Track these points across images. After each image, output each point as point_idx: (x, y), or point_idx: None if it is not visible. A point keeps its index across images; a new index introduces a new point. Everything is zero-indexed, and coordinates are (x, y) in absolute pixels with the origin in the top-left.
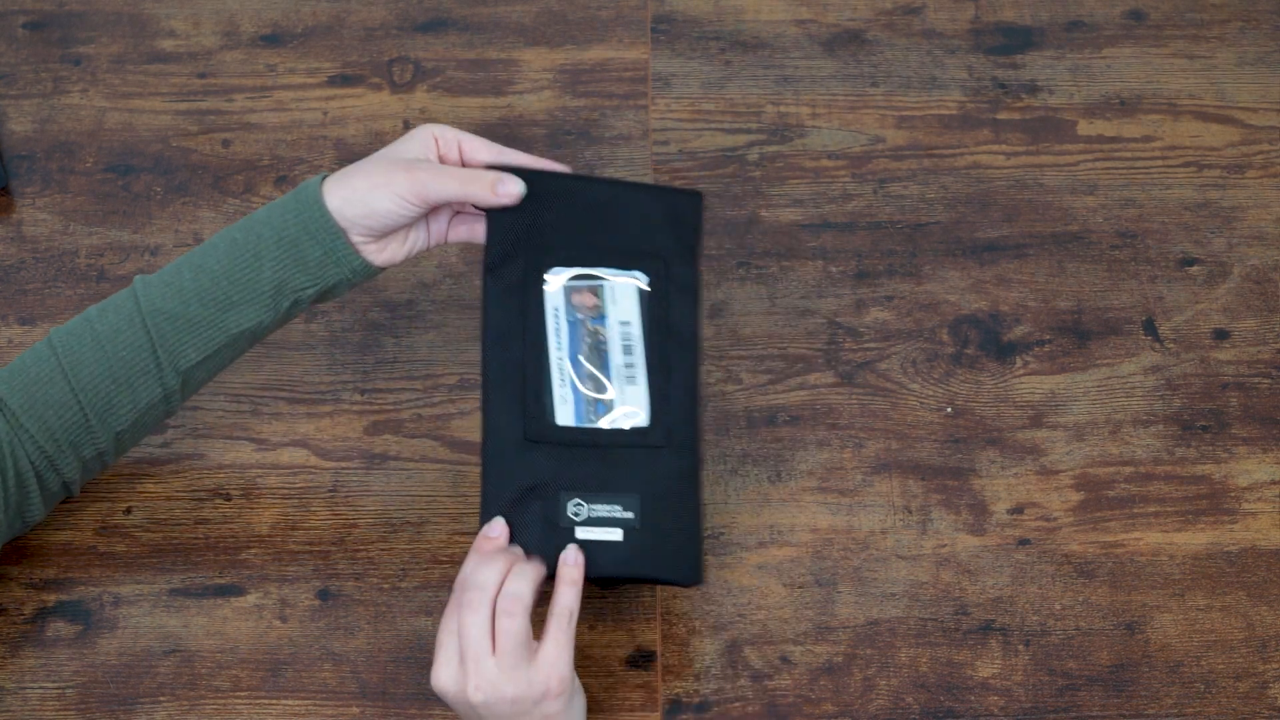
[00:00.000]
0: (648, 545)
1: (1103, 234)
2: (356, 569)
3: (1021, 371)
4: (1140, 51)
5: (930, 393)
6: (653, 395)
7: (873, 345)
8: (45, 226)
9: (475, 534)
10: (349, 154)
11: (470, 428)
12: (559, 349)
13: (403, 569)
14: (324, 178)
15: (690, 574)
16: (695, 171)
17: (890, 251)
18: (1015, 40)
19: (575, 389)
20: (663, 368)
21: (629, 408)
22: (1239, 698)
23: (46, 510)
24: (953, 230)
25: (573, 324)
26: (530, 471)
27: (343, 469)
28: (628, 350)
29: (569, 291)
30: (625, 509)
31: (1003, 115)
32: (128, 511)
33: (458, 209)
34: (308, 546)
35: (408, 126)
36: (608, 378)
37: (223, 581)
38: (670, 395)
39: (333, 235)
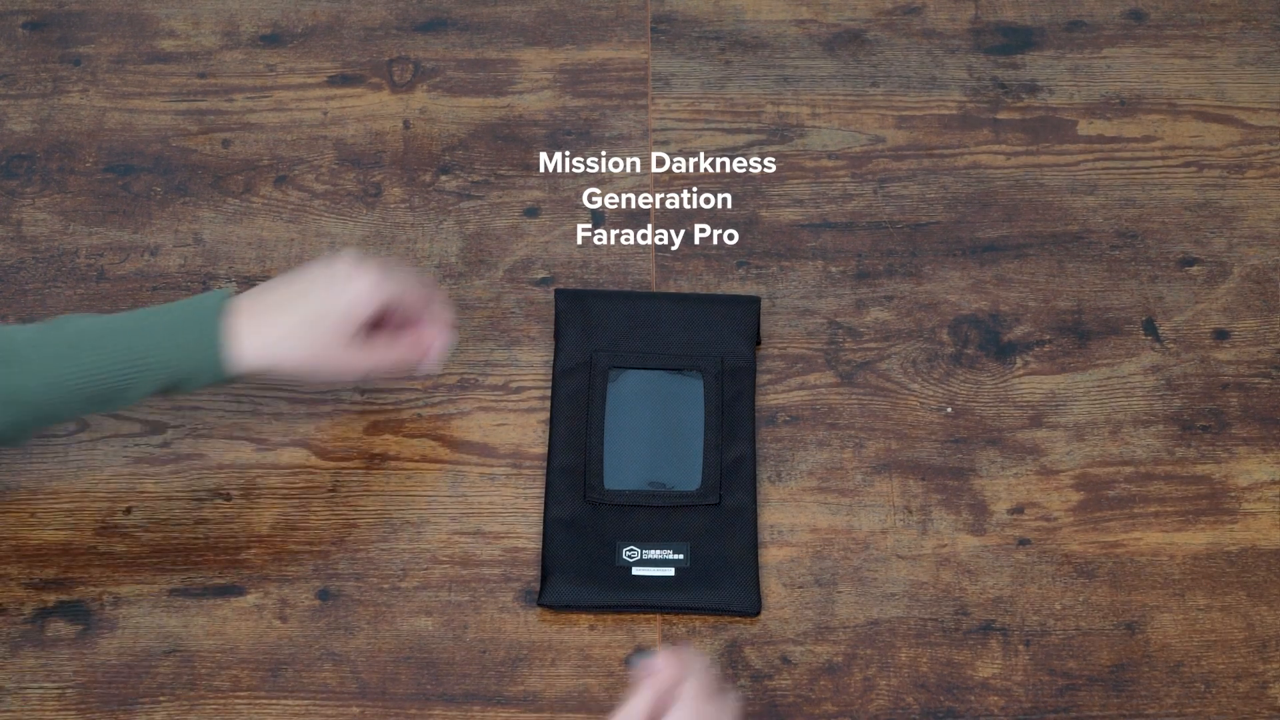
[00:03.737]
0: (701, 579)
1: (1103, 234)
2: (356, 569)
3: (1021, 371)
4: (1140, 51)
5: (930, 393)
6: (706, 466)
7: (873, 345)
8: (45, 226)
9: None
10: (349, 154)
11: (470, 428)
12: (617, 432)
13: (403, 569)
14: (230, 302)
15: (747, 602)
16: (695, 171)
17: (890, 251)
18: (1015, 40)
19: (631, 465)
20: (716, 448)
21: (681, 477)
22: (1239, 698)
23: None
24: (953, 230)
25: (631, 412)
26: (588, 527)
27: (343, 469)
28: (683, 434)
29: (630, 384)
30: (676, 552)
31: (1003, 115)
32: (128, 511)
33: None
34: (308, 546)
35: (408, 126)
36: (664, 458)
37: (223, 581)
38: (723, 465)
39: (215, 376)
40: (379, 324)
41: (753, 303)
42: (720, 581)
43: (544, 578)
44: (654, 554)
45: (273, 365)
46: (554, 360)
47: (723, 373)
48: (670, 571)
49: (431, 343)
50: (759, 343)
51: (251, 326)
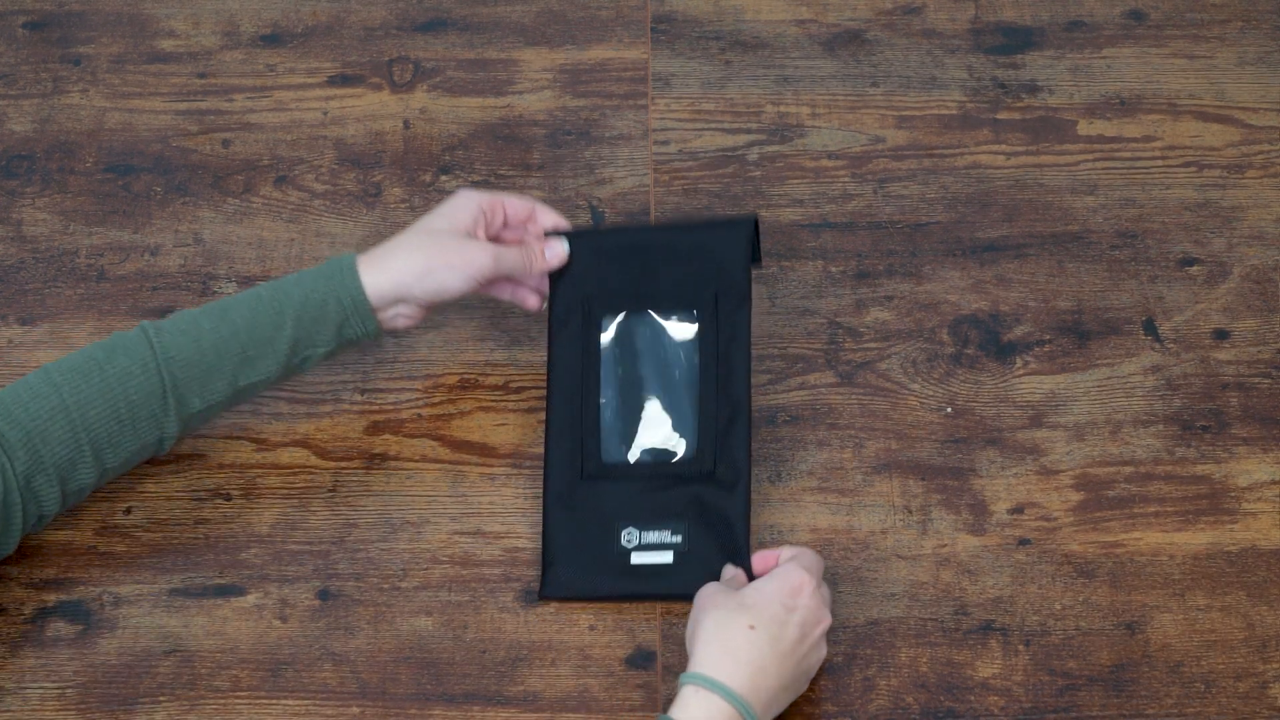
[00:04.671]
0: (697, 564)
1: (1103, 234)
2: (356, 569)
3: (1021, 371)
4: (1140, 51)
5: (930, 393)
6: (703, 427)
7: (873, 345)
8: (45, 226)
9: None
10: (349, 154)
11: (470, 428)
12: (612, 390)
13: (403, 569)
14: (354, 256)
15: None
16: (695, 171)
17: (890, 251)
18: (1015, 40)
19: (627, 427)
20: (712, 400)
21: (674, 440)
22: (1239, 698)
23: (17, 543)
24: (953, 230)
25: (626, 365)
26: (588, 506)
27: (343, 469)
28: (674, 389)
29: (621, 338)
30: (673, 534)
31: (1003, 115)
32: (128, 511)
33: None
34: (308, 546)
35: (408, 126)
36: (659, 414)
37: (223, 581)
38: (720, 425)
39: (359, 303)
40: (495, 239)
41: (746, 224)
42: (715, 564)
43: (545, 568)
44: (652, 537)
45: (399, 285)
46: (549, 310)
47: (718, 313)
48: (668, 557)
49: (546, 241)
50: (759, 261)
51: (372, 259)
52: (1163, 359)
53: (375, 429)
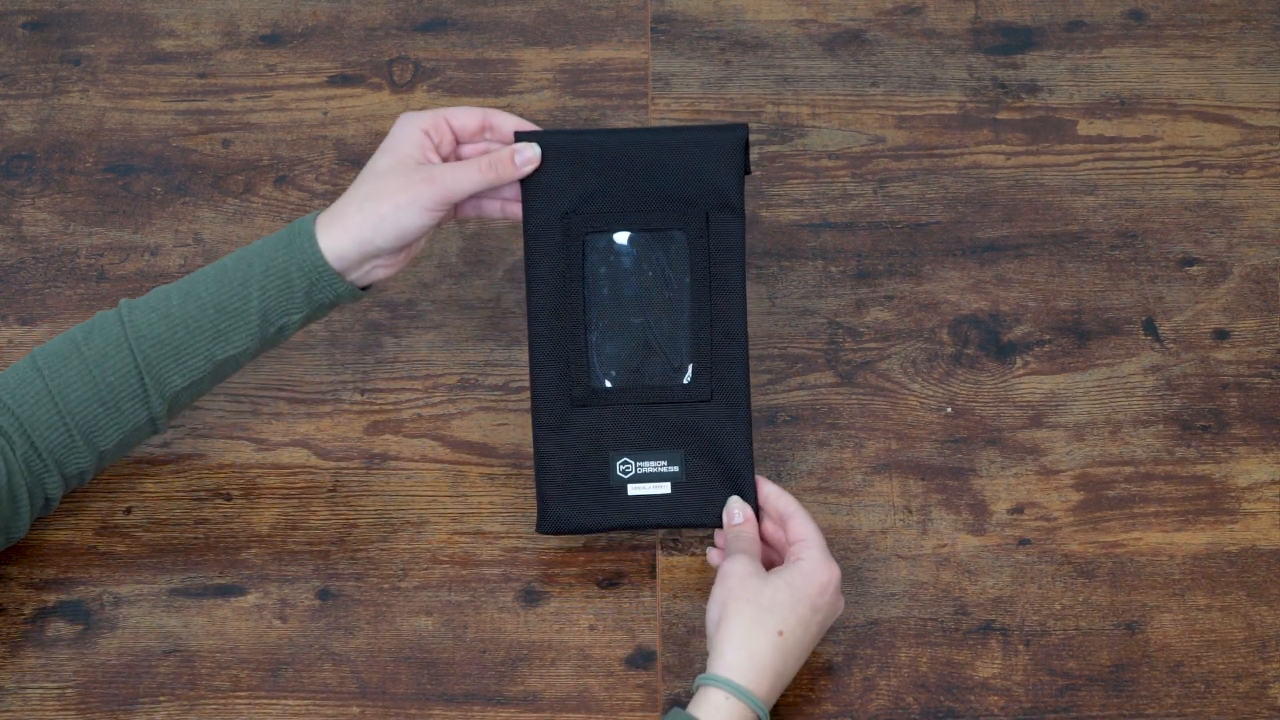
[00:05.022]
0: (696, 495)
1: (1103, 234)
2: (356, 569)
3: (1021, 371)
4: (1140, 51)
5: (930, 393)
6: (697, 350)
7: (873, 345)
8: (45, 226)
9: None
10: (349, 154)
11: (470, 428)
12: (600, 312)
13: (403, 569)
14: (317, 214)
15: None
16: None
17: (890, 251)
18: (1015, 40)
19: (618, 350)
20: (706, 321)
21: (666, 364)
22: (1239, 698)
23: (28, 526)
24: (953, 230)
25: (613, 286)
26: (580, 434)
27: (343, 469)
28: (669, 307)
29: (608, 253)
30: (670, 463)
31: (1003, 115)
32: (128, 511)
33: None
34: (308, 546)
35: None
36: (650, 336)
37: (223, 581)
38: (715, 347)
39: (319, 268)
40: (452, 159)
41: (739, 130)
42: (715, 495)
43: (540, 502)
44: (648, 466)
45: (361, 241)
46: (524, 224)
47: (708, 227)
48: (666, 488)
49: (515, 146)
50: (749, 172)
51: (330, 216)
52: (1163, 359)
53: (375, 429)
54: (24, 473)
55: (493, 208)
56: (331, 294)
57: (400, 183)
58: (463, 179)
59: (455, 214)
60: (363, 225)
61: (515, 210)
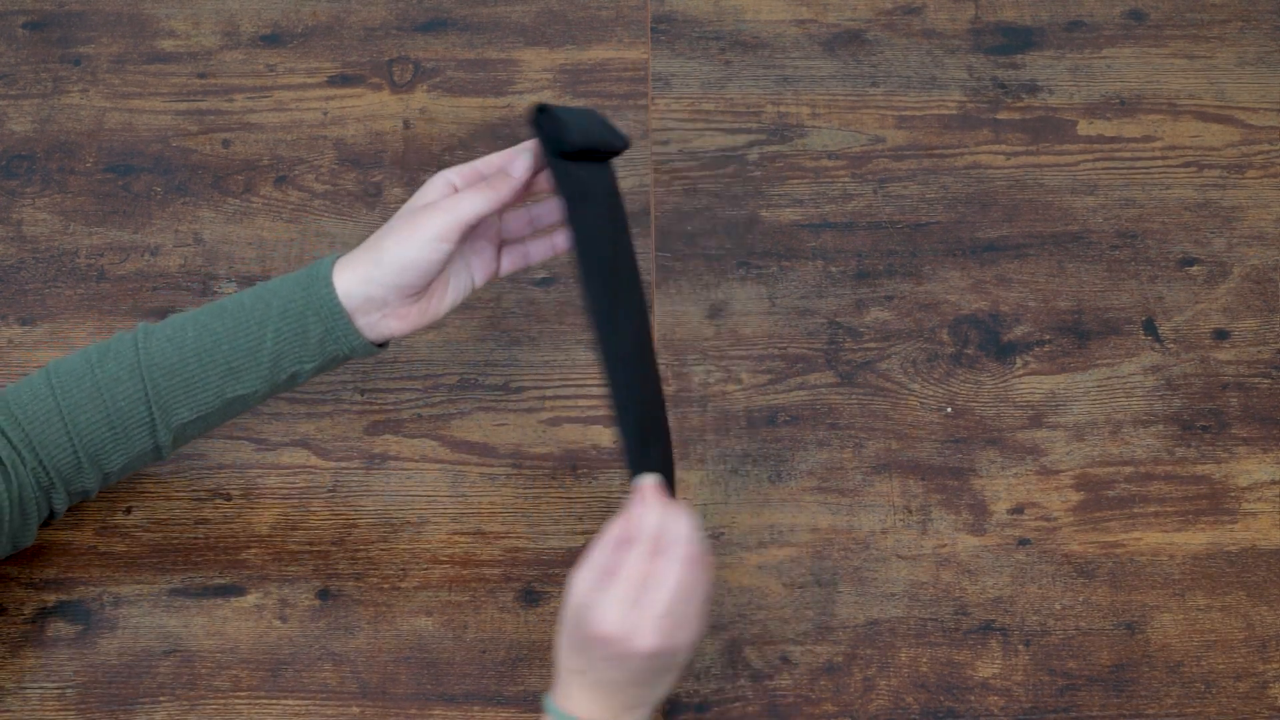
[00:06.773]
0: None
1: (1103, 234)
2: (356, 569)
3: (1021, 371)
4: (1140, 51)
5: (930, 393)
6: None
7: (873, 345)
8: (45, 226)
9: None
10: (349, 154)
11: (470, 428)
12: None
13: (403, 569)
14: (337, 257)
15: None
16: (695, 171)
17: (890, 251)
18: (1015, 40)
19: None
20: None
21: None
22: (1239, 698)
23: (35, 536)
24: (953, 230)
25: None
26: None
27: (343, 469)
28: None
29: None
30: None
31: (1003, 115)
32: (128, 511)
33: (504, 237)
34: (308, 546)
35: (408, 126)
36: None
37: (223, 581)
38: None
39: (335, 314)
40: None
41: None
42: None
43: (638, 448)
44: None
45: (366, 279)
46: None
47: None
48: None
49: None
50: (615, 151)
51: (346, 261)
52: (1163, 359)
53: (375, 429)
54: (33, 486)
55: (515, 256)
56: (345, 346)
57: (409, 219)
58: (463, 204)
59: (499, 269)
60: (366, 260)
61: (523, 253)
